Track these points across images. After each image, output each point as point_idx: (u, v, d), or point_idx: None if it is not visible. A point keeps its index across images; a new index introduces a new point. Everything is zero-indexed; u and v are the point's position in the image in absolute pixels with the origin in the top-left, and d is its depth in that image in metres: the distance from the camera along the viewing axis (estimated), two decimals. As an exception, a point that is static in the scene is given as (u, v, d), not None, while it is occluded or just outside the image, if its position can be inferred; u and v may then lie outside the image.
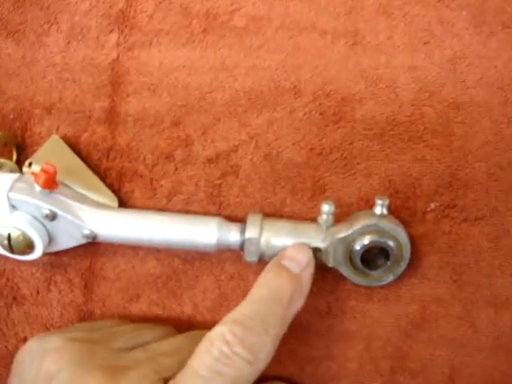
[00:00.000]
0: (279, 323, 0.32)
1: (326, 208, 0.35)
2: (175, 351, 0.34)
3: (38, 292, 0.41)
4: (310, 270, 0.35)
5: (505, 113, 0.38)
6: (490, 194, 0.38)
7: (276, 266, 0.34)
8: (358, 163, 0.39)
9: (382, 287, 0.39)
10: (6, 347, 0.42)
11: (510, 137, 0.38)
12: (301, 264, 0.34)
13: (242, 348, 0.30)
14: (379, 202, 0.35)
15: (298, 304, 0.34)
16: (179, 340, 0.36)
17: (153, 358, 0.33)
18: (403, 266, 0.36)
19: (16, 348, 0.41)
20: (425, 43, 0.39)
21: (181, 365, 0.31)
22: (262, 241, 0.36)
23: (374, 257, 0.37)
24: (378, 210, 0.36)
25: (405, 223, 0.38)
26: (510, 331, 0.38)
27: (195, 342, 0.32)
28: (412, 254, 0.38)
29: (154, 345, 0.35)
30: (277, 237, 0.36)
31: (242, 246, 0.36)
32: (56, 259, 0.41)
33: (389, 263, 0.36)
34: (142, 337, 0.36)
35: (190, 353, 0.31)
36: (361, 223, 0.36)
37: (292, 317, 0.33)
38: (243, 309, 0.32)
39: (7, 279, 0.41)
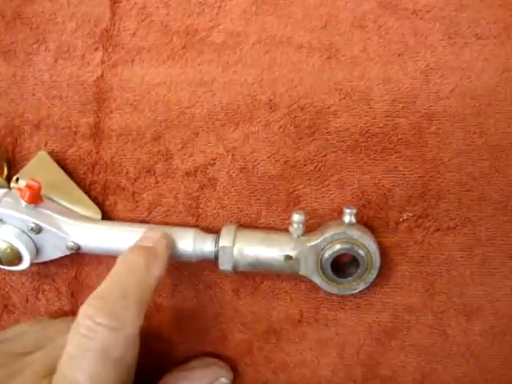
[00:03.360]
0: (138, 289, 0.33)
1: (297, 217, 0.37)
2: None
3: (27, 300, 0.43)
4: (164, 242, 0.37)
5: (477, 123, 0.39)
6: (462, 204, 0.39)
7: (130, 247, 0.36)
8: (331, 175, 0.40)
9: (354, 296, 0.40)
10: (-1, 353, 0.44)
11: (483, 147, 0.39)
12: (153, 239, 0.37)
13: (102, 316, 0.31)
14: (347, 210, 0.37)
15: (156, 271, 0.35)
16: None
17: (48, 354, 0.34)
18: (374, 273, 0.37)
19: (9, 353, 0.43)
20: (399, 55, 0.40)
21: None
22: (235, 250, 0.37)
23: (345, 267, 0.38)
24: (346, 218, 0.37)
25: (377, 233, 0.39)
26: (480, 339, 0.39)
27: None
28: (384, 263, 0.39)
29: (55, 341, 0.36)
30: (249, 246, 0.37)
31: (216, 256, 0.38)
32: (44, 269, 0.43)
33: (359, 271, 0.37)
34: (46, 336, 0.38)
35: None
36: (330, 232, 0.37)
37: (152, 284, 0.34)
38: (102, 285, 0.33)
39: (-2, 288, 0.44)
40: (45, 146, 0.43)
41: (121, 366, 0.31)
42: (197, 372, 0.39)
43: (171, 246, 0.38)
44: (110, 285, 0.33)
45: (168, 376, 0.39)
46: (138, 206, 0.42)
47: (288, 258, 0.37)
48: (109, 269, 0.42)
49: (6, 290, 0.44)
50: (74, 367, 0.30)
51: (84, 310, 0.31)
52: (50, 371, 0.32)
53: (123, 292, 0.32)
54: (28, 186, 0.38)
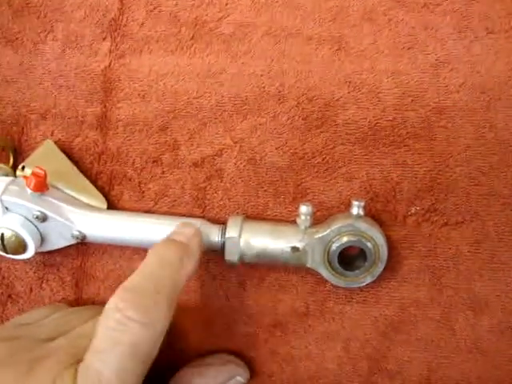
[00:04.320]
0: (170, 284, 0.33)
1: (304, 209, 0.36)
2: (92, 331, 0.34)
3: (31, 290, 0.43)
4: (197, 239, 0.36)
5: (487, 117, 0.38)
6: (470, 199, 0.39)
7: (163, 240, 0.36)
8: (339, 167, 0.40)
9: (361, 289, 0.39)
10: (2, 342, 0.44)
11: (492, 141, 0.38)
12: (187, 235, 0.36)
13: (133, 310, 0.30)
14: (355, 203, 0.36)
15: (189, 268, 0.34)
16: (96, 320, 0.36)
17: (72, 341, 0.34)
18: (381, 266, 0.37)
19: (12, 343, 0.43)
20: (408, 48, 0.39)
21: None
22: (242, 240, 0.37)
23: (352, 259, 0.38)
24: (354, 210, 0.36)
25: (385, 226, 0.39)
26: (487, 335, 0.39)
27: None
28: (392, 257, 0.38)
29: (77, 329, 0.35)
30: (256, 237, 0.37)
31: (223, 247, 0.38)
32: (49, 258, 0.43)
33: (366, 263, 0.37)
34: (69, 323, 0.37)
35: None
36: (337, 224, 0.36)
37: (183, 281, 0.34)
38: (133, 276, 0.32)
39: (3, 277, 0.43)
40: (51, 135, 0.43)
41: (147, 362, 0.30)
42: (212, 369, 0.39)
43: (202, 244, 0.37)
44: (141, 278, 0.32)
45: (183, 371, 0.39)
46: (144, 197, 0.42)
47: (295, 249, 0.37)
48: (113, 259, 0.42)
49: (10, 279, 0.43)
50: (102, 360, 0.29)
51: (114, 302, 0.30)
52: (75, 360, 0.31)
53: (155, 287, 0.32)
54: (34, 174, 0.38)
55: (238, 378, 0.39)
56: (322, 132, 0.40)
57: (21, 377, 0.31)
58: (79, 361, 0.31)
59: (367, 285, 0.38)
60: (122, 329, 0.29)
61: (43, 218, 0.38)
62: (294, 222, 0.38)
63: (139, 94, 0.42)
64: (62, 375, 0.30)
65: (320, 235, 0.37)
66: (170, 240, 0.36)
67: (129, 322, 0.30)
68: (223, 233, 0.38)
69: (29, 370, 0.31)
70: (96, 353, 0.30)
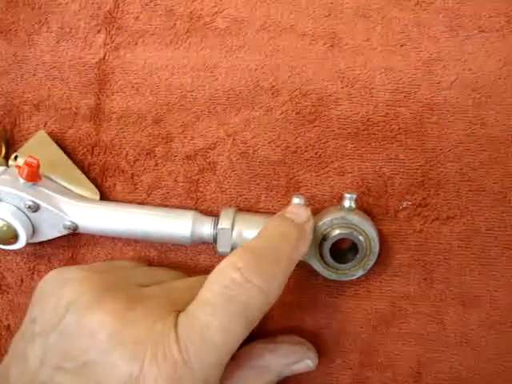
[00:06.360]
0: (288, 258, 0.32)
1: (297, 201, 0.37)
2: (189, 289, 0.34)
3: (21, 281, 0.43)
4: (311, 223, 0.35)
5: (478, 114, 0.39)
6: (461, 194, 0.39)
7: (281, 217, 0.35)
8: (331, 162, 0.40)
9: (352, 283, 0.40)
10: (-9, 334, 0.43)
11: (483, 138, 0.39)
12: (302, 217, 0.35)
13: (253, 273, 0.29)
14: (347, 195, 0.37)
15: (301, 250, 0.34)
16: (192, 280, 0.36)
17: (168, 292, 0.33)
18: (372, 259, 0.37)
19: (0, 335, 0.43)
20: (401, 45, 0.40)
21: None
22: (234, 232, 0.37)
23: (344, 254, 0.38)
24: (346, 203, 0.37)
25: (377, 221, 0.39)
26: (477, 329, 0.39)
27: None
28: (383, 251, 0.39)
29: (168, 282, 0.35)
30: (248, 229, 0.37)
31: (215, 239, 0.38)
32: (40, 249, 0.43)
33: (357, 256, 0.37)
34: (156, 277, 0.37)
35: None
36: (329, 216, 0.37)
37: (297, 261, 0.33)
38: (253, 241, 0.32)
39: (-7, 268, 0.43)
40: (44, 126, 0.42)
41: (250, 330, 0.29)
42: (284, 347, 0.37)
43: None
44: (262, 244, 0.32)
45: (253, 345, 0.37)
46: (136, 188, 0.42)
47: (287, 242, 0.37)
48: (105, 250, 0.42)
49: (1, 270, 0.43)
50: (210, 314, 0.28)
51: (233, 260, 0.30)
52: (173, 308, 0.30)
53: (275, 258, 0.31)
54: (26, 164, 0.37)
55: (308, 361, 0.38)
56: (314, 126, 0.40)
57: (120, 312, 0.30)
58: (178, 310, 0.30)
59: (358, 278, 0.38)
60: (237, 288, 0.29)
61: (35, 208, 0.38)
62: (286, 215, 0.38)
63: (133, 87, 0.42)
64: (163, 318, 0.29)
65: (312, 228, 0.37)
66: (287, 218, 0.34)
67: (246, 283, 0.29)
68: (215, 224, 0.38)
69: (128, 307, 0.30)
70: (204, 305, 0.29)
